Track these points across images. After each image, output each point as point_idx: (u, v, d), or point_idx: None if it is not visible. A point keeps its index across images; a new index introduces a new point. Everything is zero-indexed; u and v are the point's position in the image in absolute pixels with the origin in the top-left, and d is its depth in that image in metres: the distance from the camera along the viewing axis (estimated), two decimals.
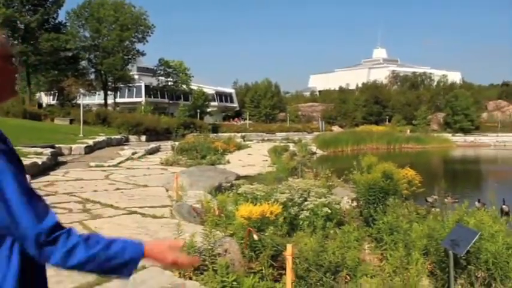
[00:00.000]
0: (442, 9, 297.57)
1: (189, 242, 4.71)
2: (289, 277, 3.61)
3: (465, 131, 58.63)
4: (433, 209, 8.27)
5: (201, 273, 4.62)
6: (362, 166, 8.56)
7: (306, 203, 6.42)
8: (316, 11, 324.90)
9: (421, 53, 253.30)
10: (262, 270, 4.52)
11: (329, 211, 6.25)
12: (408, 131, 54.04)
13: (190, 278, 4.57)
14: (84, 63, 47.10)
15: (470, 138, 54.53)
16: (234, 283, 4.27)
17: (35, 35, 38.00)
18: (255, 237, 4.45)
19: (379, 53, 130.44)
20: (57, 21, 42.45)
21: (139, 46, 49.62)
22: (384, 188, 7.24)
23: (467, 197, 12.67)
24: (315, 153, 32.67)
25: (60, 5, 41.38)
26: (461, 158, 37.86)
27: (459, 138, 53.89)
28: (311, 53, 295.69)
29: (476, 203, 10.93)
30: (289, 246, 3.63)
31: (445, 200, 8.81)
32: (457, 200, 10.24)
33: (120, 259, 1.45)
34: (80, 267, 1.41)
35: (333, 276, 4.25)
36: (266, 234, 4.53)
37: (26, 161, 11.03)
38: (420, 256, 4.45)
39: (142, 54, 50.44)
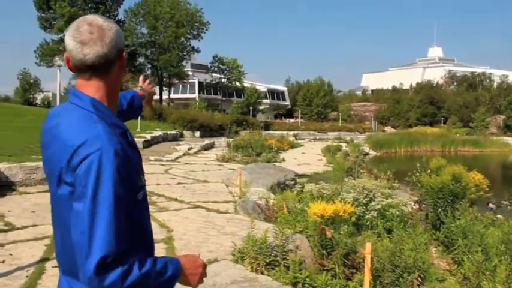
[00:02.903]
0: (501, 6, 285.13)
1: (262, 237, 4.80)
2: (367, 276, 3.62)
3: None
4: (498, 216, 8.00)
5: (272, 269, 4.69)
6: (430, 168, 8.39)
7: (372, 203, 6.38)
8: (371, 9, 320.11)
9: (479, 51, 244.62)
10: (334, 268, 4.54)
11: (397, 212, 6.18)
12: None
13: (262, 273, 4.65)
14: (141, 59, 48.39)
15: None
16: (307, 279, 4.31)
17: None
18: (329, 234, 4.48)
19: (435, 52, 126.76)
20: (116, 19, 43.87)
21: (194, 43, 50.54)
22: (453, 191, 7.07)
23: None
24: (367, 153, 32.17)
25: (120, 3, 42.88)
26: None
27: None
28: (364, 52, 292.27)
29: None
30: (368, 245, 3.63)
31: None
32: None
33: (166, 274, 1.39)
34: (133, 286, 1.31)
35: (408, 277, 4.22)
36: (341, 232, 4.55)
37: None
38: (504, 262, 4.33)
39: (197, 51, 51.30)
